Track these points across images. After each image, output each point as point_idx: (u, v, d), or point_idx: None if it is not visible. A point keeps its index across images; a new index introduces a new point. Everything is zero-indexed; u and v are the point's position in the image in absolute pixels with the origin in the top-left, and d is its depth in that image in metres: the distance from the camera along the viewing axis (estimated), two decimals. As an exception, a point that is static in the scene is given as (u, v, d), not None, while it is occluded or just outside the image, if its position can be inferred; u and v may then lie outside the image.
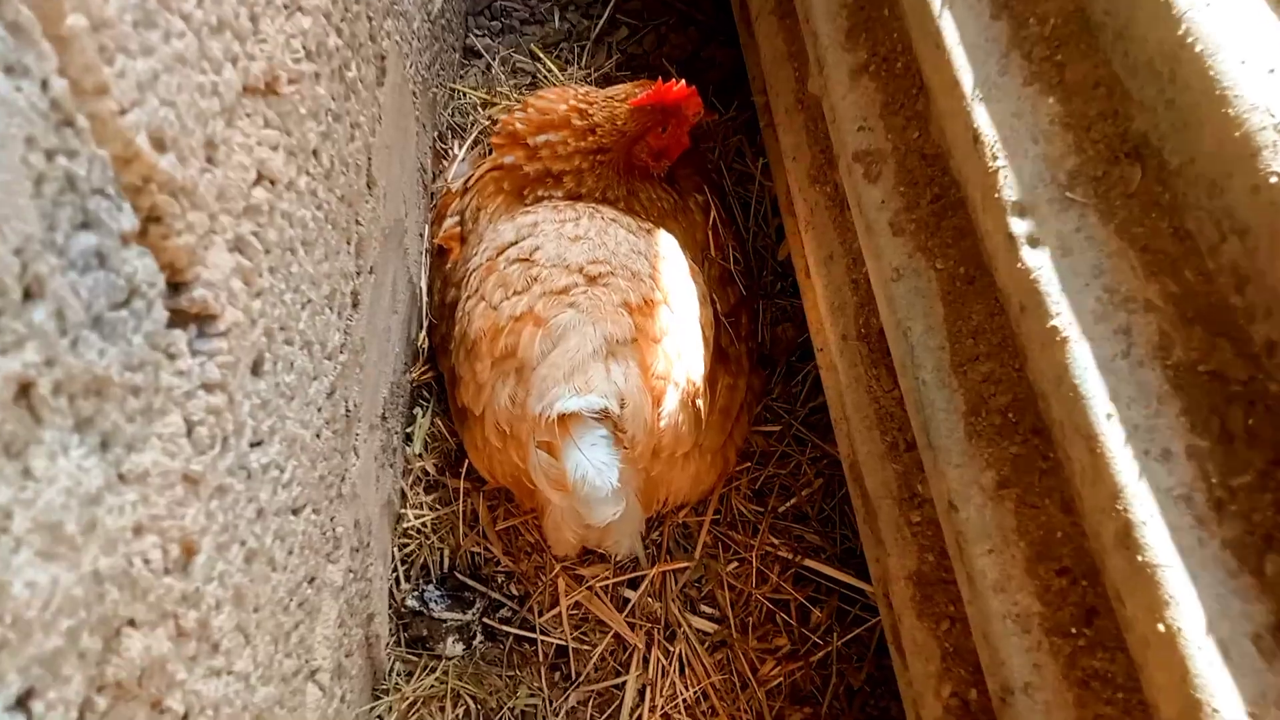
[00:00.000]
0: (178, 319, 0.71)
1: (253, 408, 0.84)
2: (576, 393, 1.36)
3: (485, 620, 1.70)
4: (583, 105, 1.68)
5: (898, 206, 1.15)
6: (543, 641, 1.69)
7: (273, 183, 0.84)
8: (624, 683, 1.68)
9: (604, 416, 1.37)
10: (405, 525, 1.74)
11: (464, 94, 2.21)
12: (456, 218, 1.80)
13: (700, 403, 1.54)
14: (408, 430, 1.78)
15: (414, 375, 1.79)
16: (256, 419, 0.85)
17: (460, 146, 2.03)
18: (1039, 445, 0.97)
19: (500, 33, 2.51)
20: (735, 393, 1.77)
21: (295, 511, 1.02)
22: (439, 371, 1.83)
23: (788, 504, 1.84)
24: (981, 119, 0.94)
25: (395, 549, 1.72)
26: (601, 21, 2.44)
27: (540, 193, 1.68)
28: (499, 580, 1.75)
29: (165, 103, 0.65)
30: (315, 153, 0.99)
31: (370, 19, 1.26)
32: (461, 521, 1.75)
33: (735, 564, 1.79)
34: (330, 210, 1.07)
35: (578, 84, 1.87)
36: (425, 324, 1.82)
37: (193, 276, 0.72)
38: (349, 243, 1.18)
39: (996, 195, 0.91)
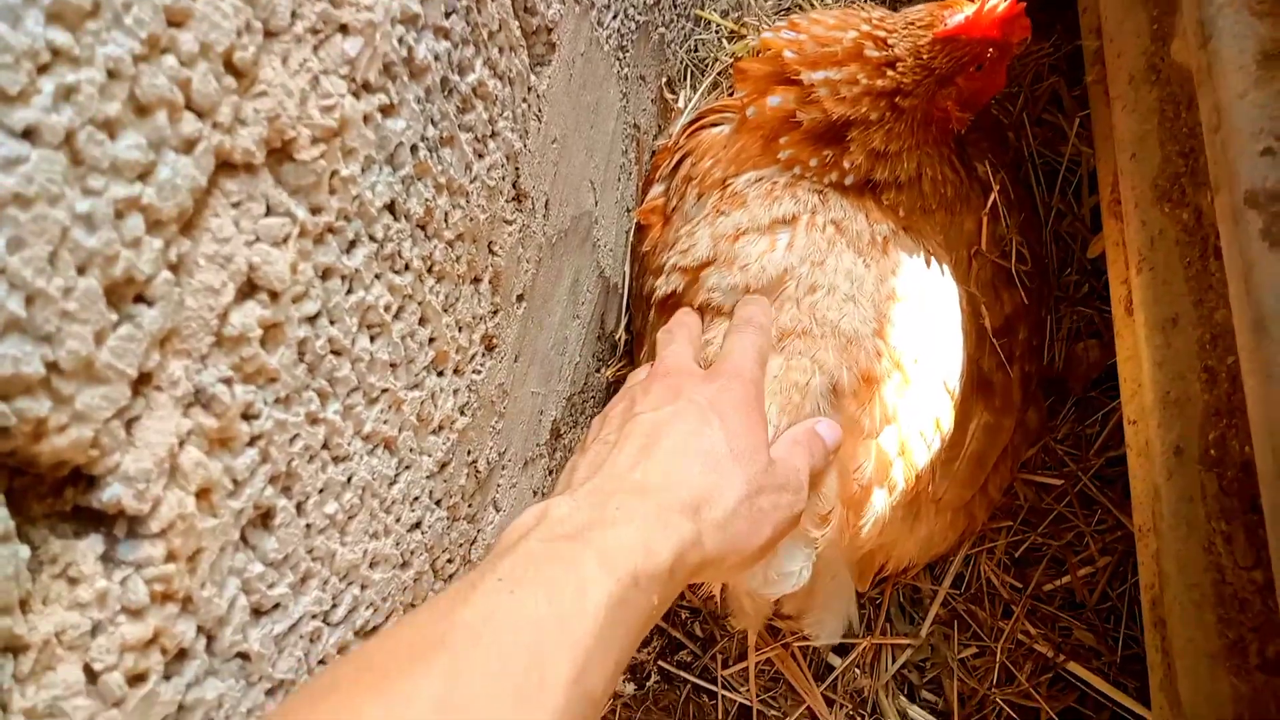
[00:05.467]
0: (82, 526, 0.53)
1: (249, 579, 0.66)
2: None
3: (661, 662, 1.50)
4: (879, 33, 1.21)
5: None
6: (724, 697, 1.47)
7: (274, 295, 0.62)
8: (810, 772, 1.43)
9: None
10: (585, 543, 1.56)
11: (709, 23, 1.86)
12: (663, 186, 1.50)
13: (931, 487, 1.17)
14: (599, 433, 1.57)
15: (609, 373, 1.57)
16: (263, 585, 0.67)
17: (689, 95, 1.71)
18: None
19: (769, -64, 2.08)
20: (996, 434, 1.36)
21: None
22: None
23: (1057, 583, 1.43)
24: None
25: (575, 564, 1.56)
26: (896, -82, 1.94)
27: (811, 163, 1.24)
28: (682, 617, 1.53)
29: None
30: (391, 207, 0.75)
31: (521, -15, 0.97)
32: (647, 546, 1.55)
33: (974, 651, 1.42)
34: (433, 262, 0.84)
35: (861, 4, 1.42)
36: (624, 316, 1.58)
37: (104, 470, 0.53)
38: (477, 281, 0.95)
39: None
